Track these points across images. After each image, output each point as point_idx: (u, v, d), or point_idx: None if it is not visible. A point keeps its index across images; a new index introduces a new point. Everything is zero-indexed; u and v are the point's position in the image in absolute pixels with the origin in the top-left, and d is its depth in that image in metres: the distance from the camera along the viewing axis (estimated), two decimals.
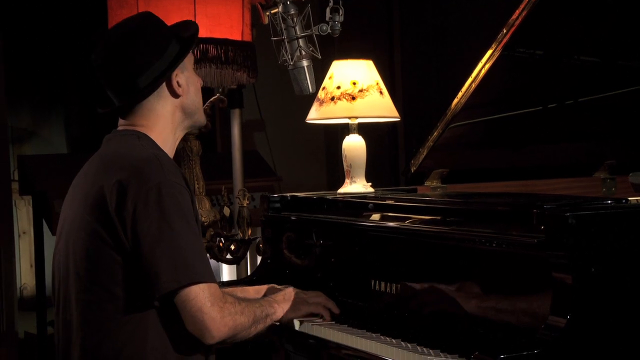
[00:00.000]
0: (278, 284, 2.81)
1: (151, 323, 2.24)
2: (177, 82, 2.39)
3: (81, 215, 2.29)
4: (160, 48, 2.36)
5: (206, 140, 3.86)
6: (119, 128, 2.44)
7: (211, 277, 2.24)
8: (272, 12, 2.66)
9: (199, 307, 2.19)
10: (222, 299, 2.25)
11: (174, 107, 2.41)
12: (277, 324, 2.48)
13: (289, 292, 2.55)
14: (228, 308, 2.25)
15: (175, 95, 2.40)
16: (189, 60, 2.44)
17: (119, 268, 2.23)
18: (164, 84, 2.37)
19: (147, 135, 2.37)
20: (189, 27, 2.46)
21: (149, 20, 2.42)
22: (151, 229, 2.18)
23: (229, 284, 3.18)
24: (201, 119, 2.49)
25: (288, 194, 3.14)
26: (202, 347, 2.31)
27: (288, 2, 2.64)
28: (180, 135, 2.46)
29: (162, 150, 2.36)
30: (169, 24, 2.47)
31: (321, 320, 2.55)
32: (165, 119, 2.40)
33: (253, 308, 2.36)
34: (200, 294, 2.20)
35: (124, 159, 2.29)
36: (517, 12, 2.70)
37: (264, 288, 2.71)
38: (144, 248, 2.19)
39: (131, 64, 2.35)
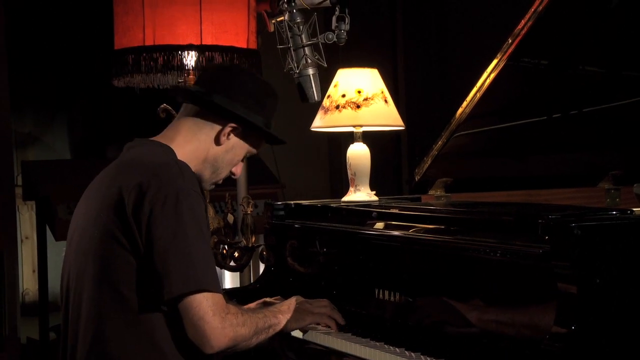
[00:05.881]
0: (281, 292, 2.82)
1: (158, 326, 2.25)
2: (228, 134, 2.44)
3: (97, 215, 2.30)
4: (260, 109, 2.48)
5: None
6: (155, 136, 2.48)
7: (217, 287, 2.25)
8: (278, 20, 2.67)
9: (201, 316, 2.20)
10: (225, 309, 2.25)
11: (207, 146, 2.45)
12: (282, 333, 2.47)
13: (293, 301, 2.55)
14: (230, 319, 2.25)
15: (217, 140, 2.45)
16: (253, 141, 2.51)
17: (131, 269, 2.24)
18: (226, 124, 2.44)
19: (170, 148, 2.40)
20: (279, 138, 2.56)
21: (275, 96, 2.56)
22: (166, 232, 2.20)
23: (232, 291, 3.18)
24: (210, 180, 2.50)
25: (292, 202, 3.14)
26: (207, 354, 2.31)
27: (294, 10, 2.64)
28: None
29: (182, 161, 2.38)
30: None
31: (326, 328, 2.55)
32: (196, 147, 2.43)
33: (256, 319, 2.36)
34: (203, 302, 2.20)
35: (144, 164, 2.31)
36: (523, 22, 2.70)
37: (253, 305, 2.73)
38: (157, 250, 2.20)
39: (237, 87, 2.45)
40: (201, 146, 2.44)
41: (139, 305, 2.24)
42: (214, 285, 2.23)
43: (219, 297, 2.24)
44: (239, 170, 2.55)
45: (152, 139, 2.44)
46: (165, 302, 2.22)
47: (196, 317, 2.20)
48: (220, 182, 2.54)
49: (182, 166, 2.32)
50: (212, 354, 2.32)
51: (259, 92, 2.49)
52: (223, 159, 2.47)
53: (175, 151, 2.40)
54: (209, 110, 2.44)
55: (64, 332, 2.40)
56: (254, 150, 2.54)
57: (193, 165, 2.42)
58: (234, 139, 2.46)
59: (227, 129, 2.44)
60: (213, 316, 2.21)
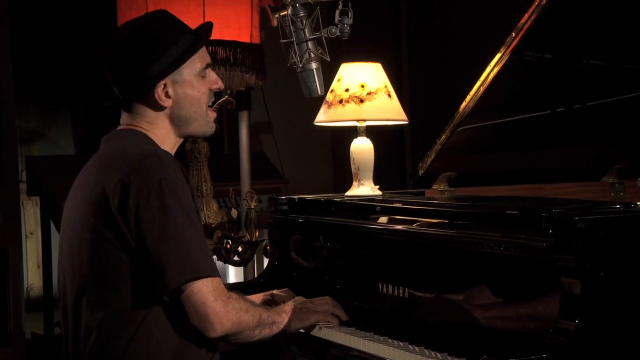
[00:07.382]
0: (285, 286, 2.81)
1: (157, 320, 2.25)
2: (166, 93, 2.34)
3: (84, 216, 2.29)
4: (173, 38, 2.34)
5: (214, 142, 3.87)
6: (118, 128, 2.43)
7: (214, 271, 2.24)
8: (281, 14, 2.67)
9: (203, 301, 2.20)
10: (226, 293, 2.25)
11: (165, 115, 2.38)
12: (286, 333, 2.47)
13: (297, 301, 2.55)
14: (232, 303, 2.25)
15: (159, 106, 2.36)
16: (190, 67, 2.37)
17: (125, 266, 2.24)
18: (154, 91, 2.34)
19: (144, 134, 2.37)
20: (202, 25, 2.45)
21: (163, 15, 2.41)
22: (155, 226, 2.19)
23: (236, 286, 3.18)
24: (202, 128, 2.42)
25: (296, 196, 3.14)
26: (207, 344, 2.31)
27: (297, 5, 2.64)
28: (176, 140, 2.43)
29: (160, 147, 2.35)
30: None
31: (327, 324, 2.55)
32: (160, 123, 2.39)
33: (259, 310, 2.36)
34: (203, 288, 2.20)
35: (123, 158, 2.29)
36: (526, 15, 2.69)
37: (261, 296, 2.72)
38: (149, 245, 2.20)
39: (144, 52, 2.32)
40: (160, 121, 2.38)
41: (137, 301, 2.24)
42: (211, 270, 2.23)
43: (218, 281, 2.24)
44: (213, 83, 2.41)
45: (128, 128, 2.39)
46: (165, 294, 2.22)
47: (197, 303, 2.20)
48: (214, 114, 2.43)
49: (162, 155, 2.28)
50: (214, 347, 2.33)
51: (144, 41, 2.33)
52: (185, 107, 2.38)
53: (149, 135, 2.36)
54: (131, 102, 2.38)
55: (65, 335, 2.39)
56: (202, 65, 2.39)
57: (172, 138, 2.39)
58: (174, 88, 2.36)
59: (158, 93, 2.34)
60: (215, 301, 2.21)
